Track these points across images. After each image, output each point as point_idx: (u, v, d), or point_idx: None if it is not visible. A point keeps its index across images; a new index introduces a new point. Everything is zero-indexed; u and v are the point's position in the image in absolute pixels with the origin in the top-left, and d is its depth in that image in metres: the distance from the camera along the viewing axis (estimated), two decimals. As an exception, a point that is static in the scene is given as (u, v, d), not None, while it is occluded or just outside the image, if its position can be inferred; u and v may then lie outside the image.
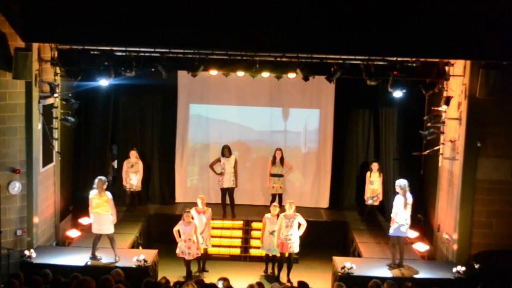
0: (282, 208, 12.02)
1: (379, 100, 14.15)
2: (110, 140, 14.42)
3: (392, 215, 10.86)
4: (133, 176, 13.65)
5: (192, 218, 11.56)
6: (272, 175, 13.71)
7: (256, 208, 14.59)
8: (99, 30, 10.25)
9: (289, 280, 11.54)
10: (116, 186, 14.37)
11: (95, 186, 10.77)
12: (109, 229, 10.82)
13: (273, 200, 13.65)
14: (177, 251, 11.47)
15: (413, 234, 12.94)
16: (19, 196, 10.90)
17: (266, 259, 12.29)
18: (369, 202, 13.55)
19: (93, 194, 10.77)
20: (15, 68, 10.25)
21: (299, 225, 11.61)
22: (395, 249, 10.93)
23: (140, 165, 13.73)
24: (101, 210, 10.73)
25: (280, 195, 13.78)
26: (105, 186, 10.80)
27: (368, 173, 13.58)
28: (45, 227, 11.88)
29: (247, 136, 14.92)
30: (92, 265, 10.62)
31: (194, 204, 12.10)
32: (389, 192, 13.93)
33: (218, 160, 13.66)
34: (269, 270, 12.22)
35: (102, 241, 10.95)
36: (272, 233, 11.67)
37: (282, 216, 11.52)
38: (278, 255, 11.83)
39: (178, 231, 11.41)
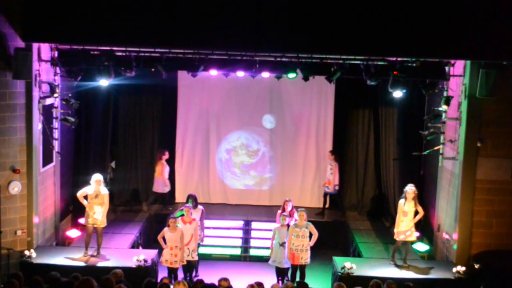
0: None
1: (379, 100, 14.15)
2: (110, 140, 14.41)
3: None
4: (97, 209, 10.84)
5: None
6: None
7: (256, 208, 14.61)
8: (99, 30, 10.25)
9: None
10: (114, 186, 14.40)
11: None
12: None
13: None
14: (161, 259, 10.87)
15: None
16: (19, 196, 10.88)
17: (277, 272, 11.33)
18: (401, 237, 11.04)
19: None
20: (15, 68, 10.26)
21: (311, 235, 10.99)
22: None
23: (106, 196, 10.95)
24: None
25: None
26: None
27: (402, 201, 11.01)
28: (45, 227, 11.87)
29: (246, 135, 14.91)
30: (92, 265, 10.61)
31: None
32: (389, 193, 13.95)
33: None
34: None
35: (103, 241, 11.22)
36: (282, 244, 11.00)
37: (292, 226, 10.96)
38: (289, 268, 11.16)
39: (163, 238, 10.87)
